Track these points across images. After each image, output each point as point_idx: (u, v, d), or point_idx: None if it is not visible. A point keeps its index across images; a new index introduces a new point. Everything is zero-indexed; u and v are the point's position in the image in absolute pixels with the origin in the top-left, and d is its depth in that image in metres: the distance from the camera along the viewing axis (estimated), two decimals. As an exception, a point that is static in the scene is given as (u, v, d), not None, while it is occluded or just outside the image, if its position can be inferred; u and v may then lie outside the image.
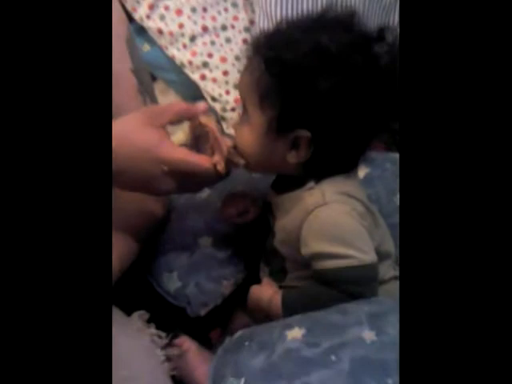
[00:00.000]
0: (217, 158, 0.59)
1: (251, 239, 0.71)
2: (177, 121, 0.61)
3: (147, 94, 0.78)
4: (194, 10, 1.23)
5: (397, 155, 0.83)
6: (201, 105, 0.63)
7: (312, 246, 0.59)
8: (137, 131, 0.57)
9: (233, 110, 1.22)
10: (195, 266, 0.70)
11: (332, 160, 0.59)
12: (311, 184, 0.60)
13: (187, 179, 0.60)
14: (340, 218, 0.59)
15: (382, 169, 0.80)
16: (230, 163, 0.60)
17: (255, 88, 0.58)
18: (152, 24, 1.22)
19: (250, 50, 0.61)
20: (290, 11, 1.20)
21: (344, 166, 0.61)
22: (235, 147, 0.61)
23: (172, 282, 0.69)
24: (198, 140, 0.62)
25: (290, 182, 0.62)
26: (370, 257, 0.58)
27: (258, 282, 0.67)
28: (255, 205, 0.69)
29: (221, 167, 0.59)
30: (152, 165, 0.57)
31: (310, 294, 0.60)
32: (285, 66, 0.56)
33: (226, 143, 0.60)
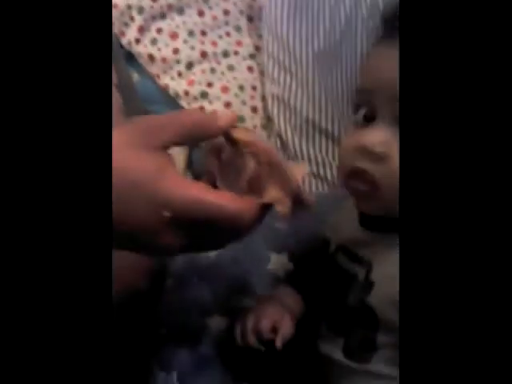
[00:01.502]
0: (276, 193, 0.38)
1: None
2: (188, 140, 0.42)
3: (135, 116, 0.58)
4: (191, 33, 1.08)
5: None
6: (226, 114, 0.41)
7: None
8: (123, 157, 0.36)
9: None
10: (203, 361, 0.49)
11: None
12: None
13: (204, 231, 0.39)
14: None
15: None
16: (299, 202, 0.39)
17: None
18: (142, 49, 1.06)
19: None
20: (304, 33, 1.04)
21: None
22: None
23: (169, 387, 0.48)
24: (222, 170, 0.41)
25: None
26: None
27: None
28: (290, 318, 0.48)
29: (285, 208, 0.38)
30: (149, 209, 0.36)
31: None
32: None
33: (294, 170, 0.40)
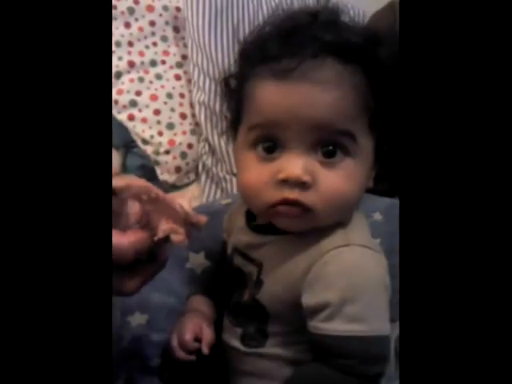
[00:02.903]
0: (168, 225, 0.41)
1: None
2: None
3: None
4: (118, 44, 1.11)
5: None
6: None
7: (320, 295, 0.44)
8: None
9: (167, 152, 1.08)
10: (125, 355, 0.54)
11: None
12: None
13: None
14: (368, 265, 0.45)
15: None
16: (188, 228, 0.43)
17: (364, 109, 0.45)
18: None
19: (317, 49, 0.45)
20: (225, 43, 1.10)
21: None
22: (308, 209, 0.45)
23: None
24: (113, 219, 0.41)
25: None
26: (387, 326, 0.44)
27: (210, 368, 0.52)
28: (208, 325, 0.52)
29: (180, 236, 0.41)
30: None
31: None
32: (383, 65, 0.46)
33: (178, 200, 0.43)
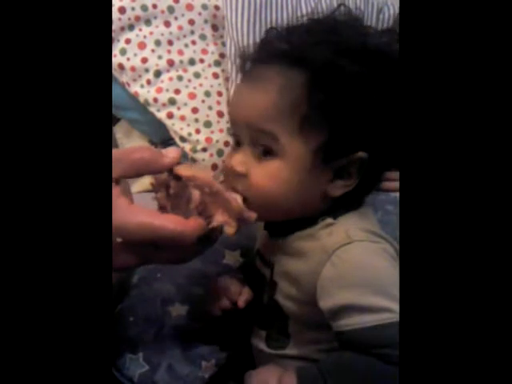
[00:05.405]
0: (223, 217, 0.44)
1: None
2: (136, 175, 0.44)
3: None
4: (158, 43, 1.13)
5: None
6: (171, 151, 0.45)
7: (337, 296, 0.45)
8: None
9: (204, 150, 1.10)
10: (166, 343, 0.56)
11: (368, 187, 0.50)
12: (329, 220, 0.48)
13: (153, 251, 0.43)
14: (372, 258, 0.46)
15: (383, 211, 0.68)
16: (239, 222, 0.46)
17: (292, 110, 0.47)
18: (112, 59, 1.11)
19: (263, 57, 0.49)
20: (264, 41, 1.11)
21: (361, 197, 0.51)
22: (244, 198, 0.48)
23: (136, 366, 0.54)
24: (172, 202, 0.46)
25: (294, 221, 0.50)
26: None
27: (247, 359, 0.53)
28: (248, 287, 0.57)
29: (232, 228, 0.45)
30: None
31: (342, 365, 0.46)
32: (341, 74, 0.46)
33: (235, 196, 0.46)
